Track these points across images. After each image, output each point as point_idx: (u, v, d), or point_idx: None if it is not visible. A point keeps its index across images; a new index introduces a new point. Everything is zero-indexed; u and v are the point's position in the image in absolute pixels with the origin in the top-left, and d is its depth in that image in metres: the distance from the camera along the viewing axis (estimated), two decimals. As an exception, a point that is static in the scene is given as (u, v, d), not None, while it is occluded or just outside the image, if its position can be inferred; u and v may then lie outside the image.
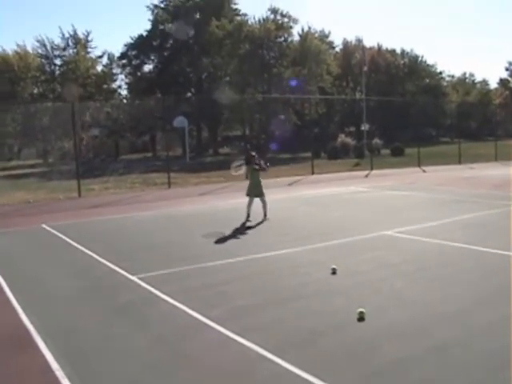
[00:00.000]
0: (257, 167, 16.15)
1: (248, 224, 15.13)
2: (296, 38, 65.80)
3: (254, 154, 16.52)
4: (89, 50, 67.93)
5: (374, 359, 6.02)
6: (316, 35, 68.52)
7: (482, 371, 5.67)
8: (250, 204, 16.00)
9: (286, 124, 58.90)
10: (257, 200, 16.00)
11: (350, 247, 11.85)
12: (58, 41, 65.80)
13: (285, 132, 58.75)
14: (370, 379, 5.59)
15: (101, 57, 70.54)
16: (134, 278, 9.75)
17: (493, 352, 6.09)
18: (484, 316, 7.25)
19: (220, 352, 6.38)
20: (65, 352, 6.55)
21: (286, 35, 64.82)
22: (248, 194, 16.15)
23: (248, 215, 15.80)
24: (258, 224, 15.16)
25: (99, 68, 70.24)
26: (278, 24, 63.06)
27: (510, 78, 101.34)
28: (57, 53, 65.72)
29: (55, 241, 14.02)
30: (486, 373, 5.64)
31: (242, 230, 14.38)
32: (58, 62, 66.00)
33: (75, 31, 66.16)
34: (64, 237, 14.28)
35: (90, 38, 67.66)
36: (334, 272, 9.49)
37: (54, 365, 6.14)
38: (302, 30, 65.52)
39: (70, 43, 66.00)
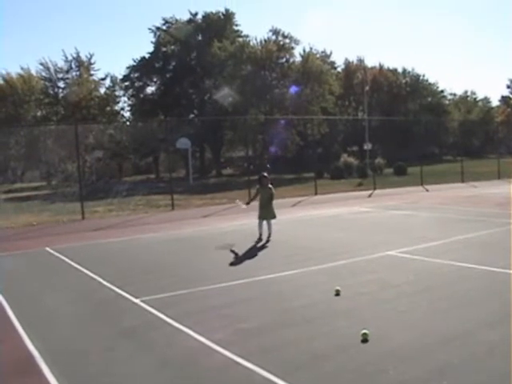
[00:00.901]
0: (271, 187, 16.30)
1: (252, 245, 15.13)
2: (298, 58, 66.10)
3: (266, 174, 16.62)
4: (92, 72, 68.39)
5: (379, 381, 6.01)
6: (317, 55, 68.77)
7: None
8: (261, 225, 16.09)
9: (289, 144, 59.06)
10: None
11: (353, 268, 11.83)
12: (61, 63, 66.39)
13: (288, 152, 58.91)
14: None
15: (104, 79, 71.09)
16: (137, 300, 9.76)
17: (496, 373, 6.08)
18: (488, 337, 7.22)
19: (225, 376, 6.37)
20: (69, 376, 6.56)
21: (287, 56, 65.09)
22: (260, 217, 16.21)
23: (260, 235, 15.96)
24: (263, 245, 15.19)
25: (102, 90, 70.67)
26: (279, 45, 63.37)
27: (511, 96, 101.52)
28: (60, 75, 66.18)
29: (59, 263, 14.04)
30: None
31: (246, 251, 14.35)
32: (61, 84, 66.43)
33: (78, 54, 66.80)
34: (67, 259, 14.30)
35: (92, 61, 68.26)
36: (337, 293, 9.48)
37: (59, 390, 6.15)
38: (304, 50, 65.82)
39: (73, 66, 66.48)
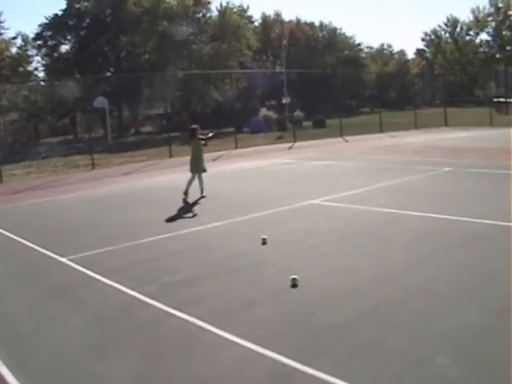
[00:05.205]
0: (203, 140, 15.92)
1: (177, 200, 14.94)
2: (215, 13, 65.49)
3: (196, 126, 16.12)
4: (1, 31, 66.02)
5: (311, 324, 6.14)
6: (234, 10, 68.26)
7: (414, 327, 5.86)
8: (191, 181, 15.38)
9: (207, 100, 58.74)
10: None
11: (278, 218, 11.97)
12: (-33, 23, 63.79)
13: (206, 108, 58.61)
14: (309, 344, 5.69)
15: (15, 38, 68.66)
16: (64, 259, 9.63)
17: (425, 309, 6.32)
18: (414, 277, 7.46)
19: (159, 327, 6.40)
20: (-1, 337, 6.47)
21: (204, 11, 64.39)
22: (192, 171, 15.68)
23: (187, 190, 15.14)
24: (189, 200, 15.02)
25: (13, 50, 68.37)
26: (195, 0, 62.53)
27: (426, 48, 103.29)
28: (-33, 35, 63.69)
29: (-21, 228, 13.69)
30: (418, 328, 5.83)
31: (169, 206, 14.22)
32: (-32, 45, 63.95)
33: (-15, 12, 64.12)
34: (-12, 223, 13.96)
35: (2, 19, 65.75)
36: (264, 242, 9.58)
37: (-11, 351, 6.05)
38: (221, 5, 65.26)
39: (-19, 25, 64.02)
